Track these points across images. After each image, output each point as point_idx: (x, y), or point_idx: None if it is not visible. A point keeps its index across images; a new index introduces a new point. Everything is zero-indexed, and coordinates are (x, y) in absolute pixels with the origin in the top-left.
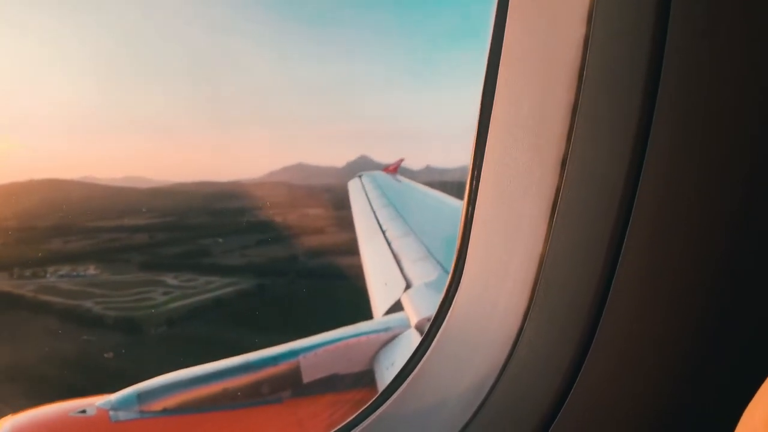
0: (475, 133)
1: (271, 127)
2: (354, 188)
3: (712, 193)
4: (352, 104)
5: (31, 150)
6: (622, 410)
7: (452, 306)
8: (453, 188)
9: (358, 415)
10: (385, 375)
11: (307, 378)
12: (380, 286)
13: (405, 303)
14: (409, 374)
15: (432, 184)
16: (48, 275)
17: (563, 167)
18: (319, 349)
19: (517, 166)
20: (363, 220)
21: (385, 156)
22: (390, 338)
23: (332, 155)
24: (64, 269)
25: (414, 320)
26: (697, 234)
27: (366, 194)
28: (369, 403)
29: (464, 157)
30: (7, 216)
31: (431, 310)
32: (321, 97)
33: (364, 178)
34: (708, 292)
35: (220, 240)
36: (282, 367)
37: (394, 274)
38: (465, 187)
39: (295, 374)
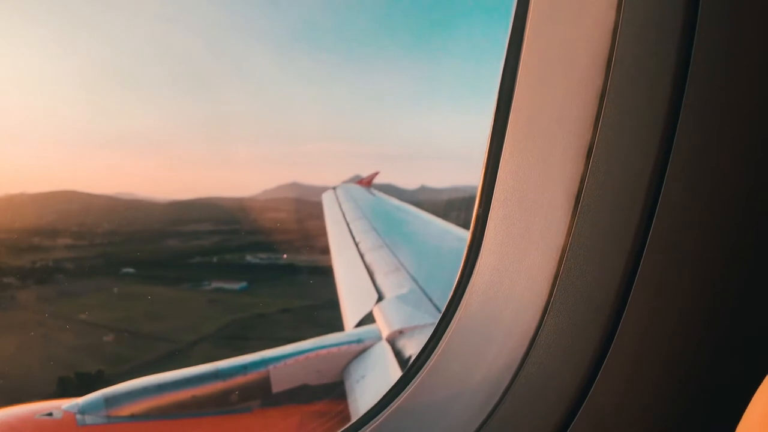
0: (493, 118)
1: (264, 145)
2: (328, 200)
3: (741, 186)
4: (346, 124)
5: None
6: (643, 410)
7: (463, 300)
8: (443, 207)
9: (366, 413)
10: (356, 387)
11: (276, 388)
12: (352, 297)
13: (377, 315)
14: (418, 373)
15: (426, 203)
16: (249, 258)
17: (589, 156)
18: (290, 359)
19: (538, 154)
20: (336, 231)
21: (379, 176)
22: (361, 350)
23: (326, 174)
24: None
25: (385, 333)
26: (721, 230)
27: (340, 206)
28: (376, 402)
29: (456, 178)
30: (76, 223)
31: (403, 323)
32: (315, 116)
33: (338, 191)
34: (731, 287)
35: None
36: (252, 376)
37: (366, 286)
38: (455, 205)
39: (264, 384)
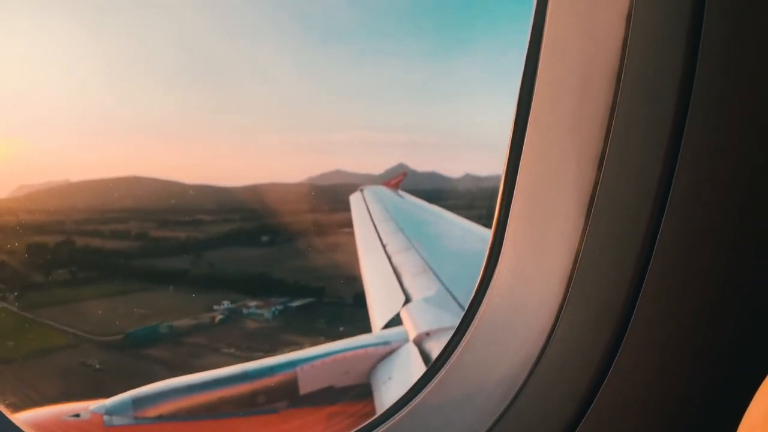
0: (512, 128)
1: (308, 133)
2: (355, 202)
3: (744, 192)
4: (390, 112)
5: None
6: (651, 407)
7: (484, 299)
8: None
9: (386, 411)
10: (382, 389)
11: (303, 389)
12: (379, 299)
13: (404, 317)
14: (440, 370)
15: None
16: None
17: (600, 164)
18: (317, 360)
19: (554, 162)
20: (364, 233)
21: (423, 164)
22: (388, 352)
23: (371, 163)
24: None
25: (412, 335)
26: (727, 234)
27: (367, 208)
28: (397, 399)
29: (501, 167)
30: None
31: (430, 325)
32: (359, 105)
33: (365, 192)
34: (736, 289)
35: None
36: (279, 377)
37: (393, 288)
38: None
39: (291, 385)
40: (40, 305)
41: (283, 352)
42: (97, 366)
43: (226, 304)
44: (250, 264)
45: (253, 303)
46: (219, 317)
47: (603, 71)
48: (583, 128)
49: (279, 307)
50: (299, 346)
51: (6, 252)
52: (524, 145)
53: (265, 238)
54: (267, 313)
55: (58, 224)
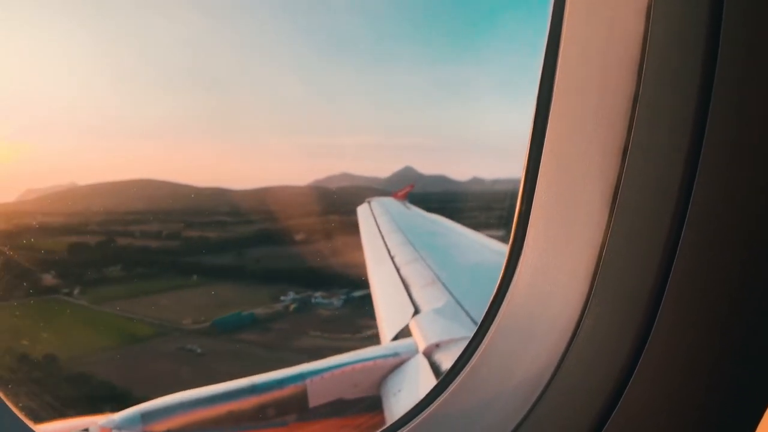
0: (532, 123)
1: (314, 136)
2: (363, 214)
3: None
4: (398, 116)
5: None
6: (675, 409)
7: (506, 297)
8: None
9: (408, 412)
10: (392, 401)
11: (313, 402)
12: (388, 311)
13: (413, 329)
14: (460, 372)
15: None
16: None
17: (624, 156)
18: (327, 373)
19: (577, 154)
20: (372, 245)
21: (430, 167)
22: (398, 364)
23: (378, 166)
24: None
25: (422, 346)
26: (754, 224)
27: (375, 220)
28: (419, 400)
29: (509, 170)
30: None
31: (439, 337)
32: (366, 108)
33: (373, 204)
34: (764, 285)
35: None
36: (288, 390)
37: (402, 300)
38: (507, 196)
39: (301, 398)
40: (107, 300)
41: (364, 334)
42: (199, 351)
43: (291, 294)
44: (291, 260)
45: (317, 293)
46: (293, 306)
47: (624, 64)
48: (606, 122)
49: (343, 297)
50: (377, 328)
51: (48, 251)
52: (545, 141)
53: (299, 236)
54: (336, 302)
55: (82, 226)
